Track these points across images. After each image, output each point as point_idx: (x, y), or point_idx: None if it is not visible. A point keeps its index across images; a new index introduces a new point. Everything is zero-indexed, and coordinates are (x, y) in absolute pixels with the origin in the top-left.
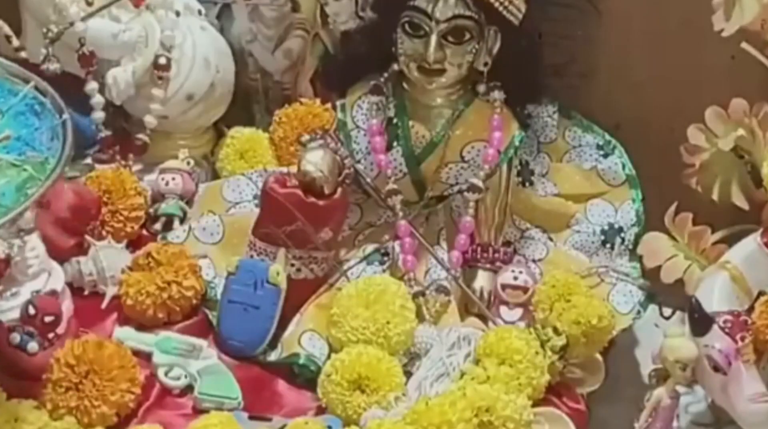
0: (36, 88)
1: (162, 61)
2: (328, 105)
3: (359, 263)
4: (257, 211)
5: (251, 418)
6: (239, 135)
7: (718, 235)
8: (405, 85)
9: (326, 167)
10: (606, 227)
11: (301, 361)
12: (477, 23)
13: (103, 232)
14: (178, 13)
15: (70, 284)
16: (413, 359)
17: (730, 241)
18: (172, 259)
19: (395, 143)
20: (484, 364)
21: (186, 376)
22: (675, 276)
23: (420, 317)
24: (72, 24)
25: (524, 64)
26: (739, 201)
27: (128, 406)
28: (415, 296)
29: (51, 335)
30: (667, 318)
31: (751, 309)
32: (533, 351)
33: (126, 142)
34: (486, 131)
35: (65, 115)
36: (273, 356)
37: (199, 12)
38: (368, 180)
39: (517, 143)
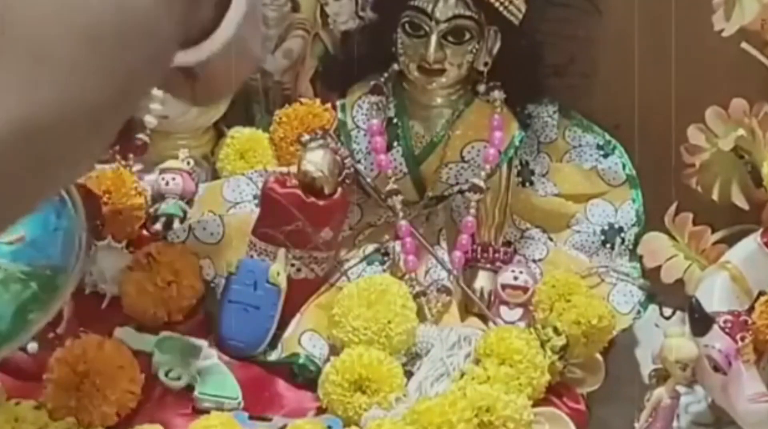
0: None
1: None
2: (328, 105)
3: (359, 263)
4: (257, 211)
5: (251, 418)
6: (239, 135)
7: (718, 235)
8: (405, 85)
9: (326, 167)
10: (606, 227)
11: (301, 361)
12: (477, 23)
13: (103, 232)
14: None
15: None
16: (414, 359)
17: (730, 241)
18: (172, 259)
19: (395, 143)
20: (484, 364)
21: (186, 376)
22: (675, 276)
23: (421, 317)
24: None
25: (524, 64)
26: (739, 201)
27: (128, 406)
28: (416, 296)
29: (51, 335)
30: (667, 318)
31: (751, 309)
32: (533, 351)
33: (126, 142)
34: (486, 131)
35: (83, 232)
36: (273, 356)
37: None
38: (368, 180)
39: (517, 143)
